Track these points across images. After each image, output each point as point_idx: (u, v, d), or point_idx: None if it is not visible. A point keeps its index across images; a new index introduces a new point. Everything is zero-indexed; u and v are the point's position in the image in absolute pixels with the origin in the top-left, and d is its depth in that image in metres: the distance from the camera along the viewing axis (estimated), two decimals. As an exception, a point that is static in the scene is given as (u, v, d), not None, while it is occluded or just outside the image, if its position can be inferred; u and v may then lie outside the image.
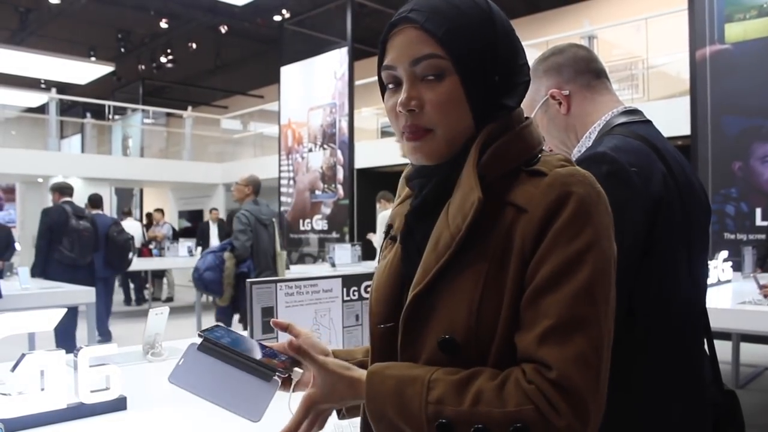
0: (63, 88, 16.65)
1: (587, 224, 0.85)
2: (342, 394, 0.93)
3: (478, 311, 0.87)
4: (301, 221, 11.52)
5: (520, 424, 0.79)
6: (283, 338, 2.06)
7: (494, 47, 0.93)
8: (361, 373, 0.92)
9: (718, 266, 4.50)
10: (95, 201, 7.89)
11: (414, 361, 0.92)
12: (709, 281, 4.03)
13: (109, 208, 15.29)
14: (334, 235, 10.80)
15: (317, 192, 11.26)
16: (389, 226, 1.08)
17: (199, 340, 1.01)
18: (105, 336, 7.90)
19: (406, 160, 1.03)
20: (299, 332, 1.05)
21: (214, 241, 12.37)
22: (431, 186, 0.97)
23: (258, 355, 0.99)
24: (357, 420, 1.05)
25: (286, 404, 0.97)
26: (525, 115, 0.98)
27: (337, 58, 10.78)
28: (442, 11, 0.92)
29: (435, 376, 0.86)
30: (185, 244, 11.26)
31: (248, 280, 2.02)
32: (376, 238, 7.74)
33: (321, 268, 8.00)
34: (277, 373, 0.97)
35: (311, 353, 0.94)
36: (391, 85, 0.97)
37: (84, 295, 5.43)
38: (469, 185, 0.90)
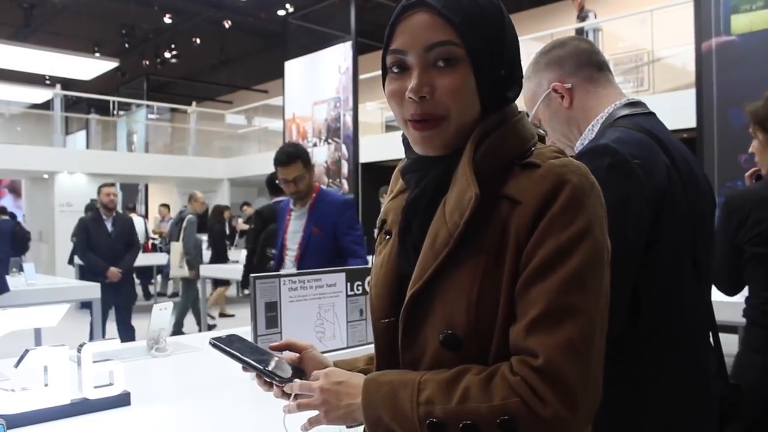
0: (67, 84, 16.64)
1: (580, 213, 0.85)
2: (340, 401, 0.93)
3: (477, 306, 0.86)
4: (306, 216, 11.50)
5: (506, 416, 0.79)
6: (286, 336, 2.05)
7: (503, 41, 0.93)
8: (359, 380, 0.93)
9: (724, 259, 4.47)
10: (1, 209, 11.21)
11: (418, 359, 0.92)
12: (715, 274, 4.00)
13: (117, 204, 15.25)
14: (339, 229, 10.78)
15: (322, 186, 11.25)
16: (383, 221, 1.07)
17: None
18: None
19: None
20: (301, 347, 1.07)
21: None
22: (430, 179, 0.95)
23: (263, 363, 1.00)
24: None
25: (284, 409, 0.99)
26: (520, 110, 0.98)
27: (342, 53, 10.75)
28: None
29: (425, 377, 0.86)
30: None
31: (251, 275, 2.02)
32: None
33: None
34: (275, 381, 0.99)
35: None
36: (395, 69, 0.93)
37: (90, 290, 5.46)
38: (466, 181, 0.89)
